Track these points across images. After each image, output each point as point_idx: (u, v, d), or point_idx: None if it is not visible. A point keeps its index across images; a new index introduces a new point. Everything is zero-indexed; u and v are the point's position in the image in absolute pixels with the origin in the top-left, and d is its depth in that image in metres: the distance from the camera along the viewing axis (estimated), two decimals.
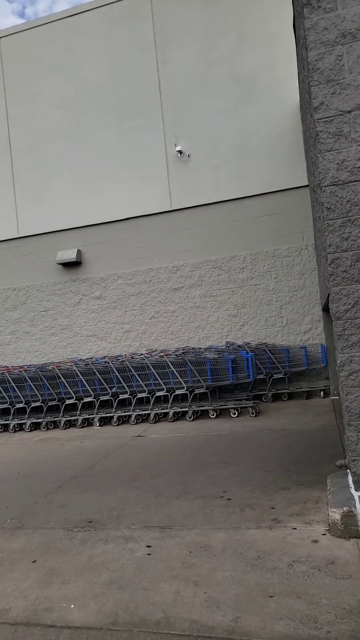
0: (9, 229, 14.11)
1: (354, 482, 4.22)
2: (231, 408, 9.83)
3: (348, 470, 4.53)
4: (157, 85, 12.95)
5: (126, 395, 10.68)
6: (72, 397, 11.03)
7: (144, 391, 10.57)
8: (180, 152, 12.70)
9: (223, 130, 12.51)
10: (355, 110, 4.30)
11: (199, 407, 10.10)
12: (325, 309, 8.70)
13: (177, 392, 10.25)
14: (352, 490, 4.20)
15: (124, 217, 13.15)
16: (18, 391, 11.30)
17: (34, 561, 4.00)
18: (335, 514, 3.90)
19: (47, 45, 13.79)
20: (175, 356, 10.23)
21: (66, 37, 13.62)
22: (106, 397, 10.84)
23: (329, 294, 4.85)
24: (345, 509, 3.88)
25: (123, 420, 10.37)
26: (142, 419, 10.28)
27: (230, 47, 12.45)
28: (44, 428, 10.70)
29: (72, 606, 3.26)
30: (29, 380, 11.18)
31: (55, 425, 10.80)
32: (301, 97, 9.36)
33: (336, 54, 4.35)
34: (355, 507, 3.93)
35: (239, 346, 11.23)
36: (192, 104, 12.71)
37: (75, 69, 13.53)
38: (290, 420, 8.72)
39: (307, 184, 11.49)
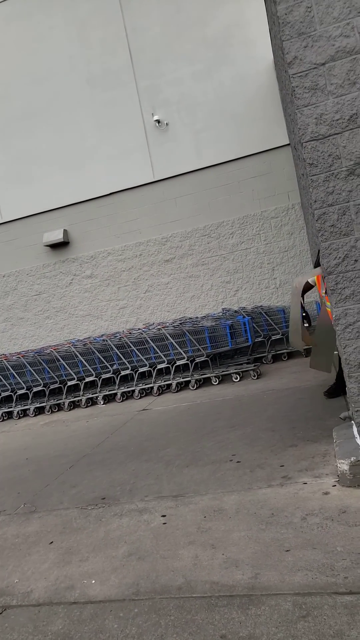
0: None
1: (359, 432, 4.27)
2: (233, 373, 9.87)
3: (352, 422, 4.57)
4: (128, 54, 12.69)
5: (128, 371, 10.70)
6: (73, 378, 11.04)
7: (145, 365, 10.59)
8: (158, 121, 12.52)
9: (199, 95, 12.32)
10: (329, 62, 4.22)
11: (201, 375, 10.13)
12: (317, 266, 8.67)
13: (178, 362, 10.27)
14: (358, 440, 4.25)
15: (108, 193, 13.02)
16: (18, 377, 11.30)
17: (51, 542, 4.04)
18: (344, 465, 3.94)
19: (12, 21, 13.43)
20: (173, 327, 10.23)
21: (29, 13, 13.26)
22: (108, 375, 10.86)
23: (319, 250, 4.83)
24: (352, 459, 3.92)
25: (127, 396, 10.41)
26: (146, 392, 10.33)
27: (198, 9, 12.17)
28: (48, 411, 10.74)
29: (93, 581, 3.31)
30: (28, 366, 11.18)
31: (59, 407, 10.84)
32: (275, 54, 9.19)
33: (305, 5, 4.25)
34: None
35: (235, 311, 11.23)
36: (166, 71, 12.48)
37: (43, 44, 13.23)
38: (292, 379, 8.77)
39: (288, 142, 11.37)
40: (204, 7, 12.13)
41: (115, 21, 12.70)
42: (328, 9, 4.20)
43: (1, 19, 13.53)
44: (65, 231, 13.29)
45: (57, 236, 13.23)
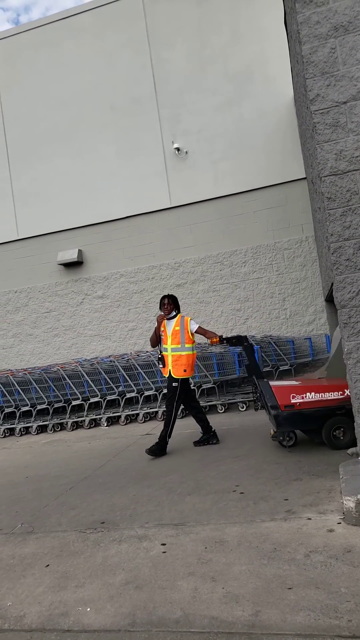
0: (9, 231, 14.08)
1: None
2: (239, 402, 9.79)
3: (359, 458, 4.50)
4: (152, 84, 12.93)
5: (133, 394, 10.64)
6: (78, 398, 10.98)
7: (151, 389, 10.52)
8: (178, 149, 12.67)
9: (219, 126, 12.49)
10: (350, 101, 4.28)
11: (207, 402, 10.05)
12: (329, 299, 8.65)
13: None
14: None
15: (124, 216, 13.12)
16: (23, 394, 11.24)
17: (47, 565, 3.96)
18: (350, 502, 3.86)
19: (41, 48, 13.77)
20: None
21: (60, 40, 13.60)
22: (113, 397, 10.80)
23: (332, 283, 4.81)
24: (359, 497, 3.84)
25: (131, 419, 10.34)
26: (150, 417, 10.25)
27: (222, 45, 12.45)
28: (51, 430, 10.67)
29: (89, 609, 3.22)
30: (34, 383, 11.14)
31: (62, 427, 10.77)
32: (295, 90, 9.31)
33: (329, 46, 4.34)
34: None
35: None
36: (188, 102, 12.70)
37: (70, 71, 13.50)
38: None
39: (304, 176, 11.45)
40: (228, 43, 12.42)
41: (142, 53, 12.97)
42: (352, 50, 4.27)
43: (31, 46, 13.85)
44: (80, 251, 13.36)
45: (71, 255, 13.29)
